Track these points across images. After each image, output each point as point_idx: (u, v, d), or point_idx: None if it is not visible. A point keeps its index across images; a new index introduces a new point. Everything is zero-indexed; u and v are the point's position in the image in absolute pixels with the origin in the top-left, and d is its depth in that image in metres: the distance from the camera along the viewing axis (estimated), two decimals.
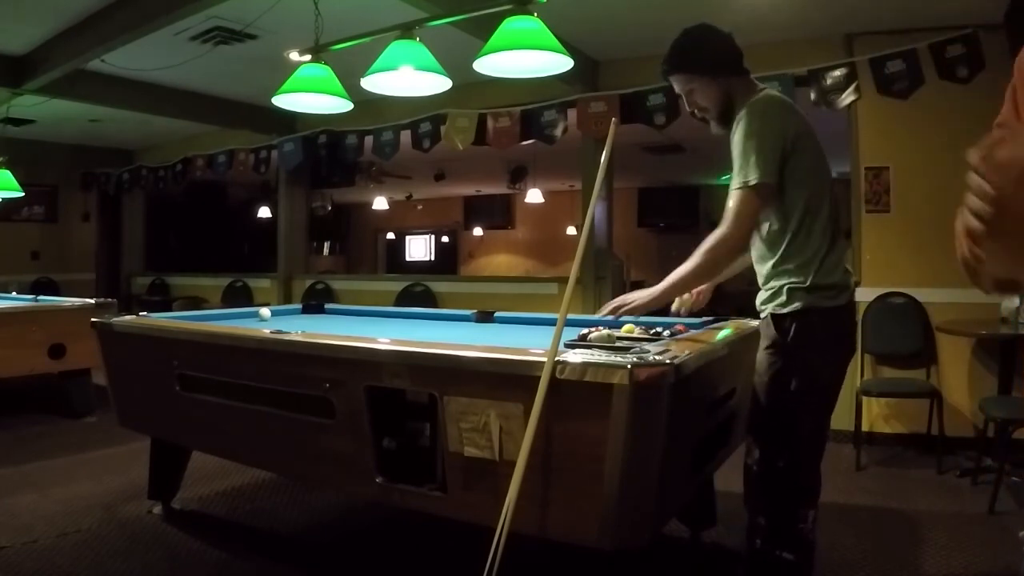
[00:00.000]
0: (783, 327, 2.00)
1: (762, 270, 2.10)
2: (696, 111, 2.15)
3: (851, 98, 4.27)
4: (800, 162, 1.97)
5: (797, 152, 1.96)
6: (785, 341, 1.99)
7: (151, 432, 3.07)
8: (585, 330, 2.17)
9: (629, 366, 1.64)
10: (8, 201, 6.74)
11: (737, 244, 2.01)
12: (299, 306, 4.01)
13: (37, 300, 5.27)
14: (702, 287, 2.38)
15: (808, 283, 1.98)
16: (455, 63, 2.96)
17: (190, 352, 2.68)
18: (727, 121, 2.08)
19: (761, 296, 2.10)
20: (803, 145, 1.98)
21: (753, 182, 1.93)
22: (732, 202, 1.98)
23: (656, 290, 2.06)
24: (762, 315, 2.09)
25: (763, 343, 2.08)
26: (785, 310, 2.00)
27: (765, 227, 2.05)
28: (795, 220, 1.99)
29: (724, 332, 2.32)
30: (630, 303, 2.08)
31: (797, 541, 1.99)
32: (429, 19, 2.93)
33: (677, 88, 2.15)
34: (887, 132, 4.44)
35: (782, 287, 2.01)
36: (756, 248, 2.12)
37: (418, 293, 6.36)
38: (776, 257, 2.03)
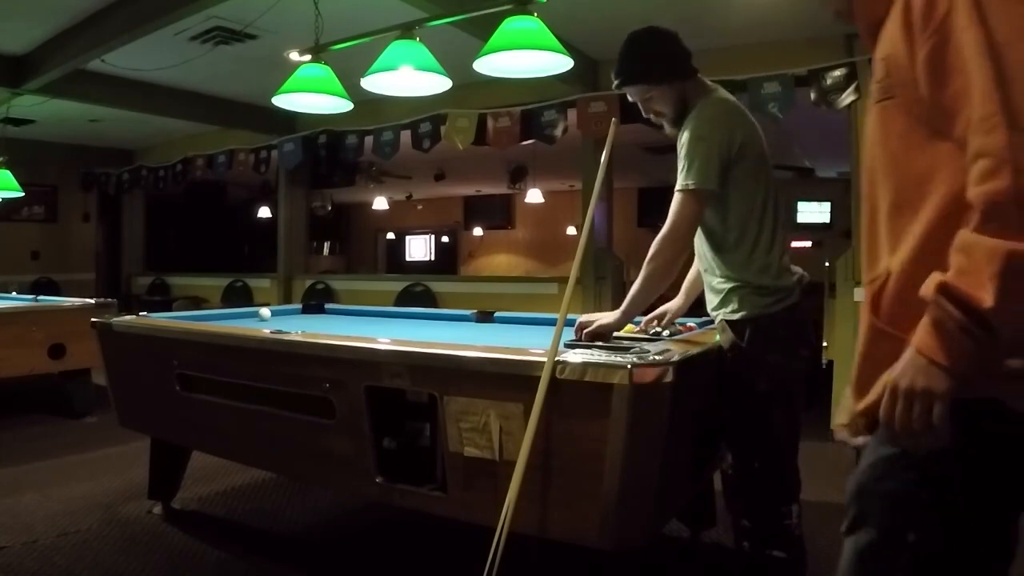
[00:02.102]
0: (738, 331, 2.01)
1: (711, 278, 2.11)
2: (653, 116, 2.16)
3: (851, 98, 4.27)
4: (745, 170, 1.99)
5: (743, 160, 1.98)
6: (742, 345, 2.00)
7: (151, 432, 3.07)
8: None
9: (629, 366, 1.64)
10: (8, 201, 6.75)
11: (677, 246, 2.00)
12: (299, 306, 4.01)
13: (37, 300, 5.27)
14: (672, 310, 2.42)
15: (757, 287, 2.00)
16: (455, 63, 2.96)
17: (190, 352, 2.68)
18: (681, 123, 2.08)
19: (711, 301, 2.12)
20: (748, 153, 1.99)
21: (692, 186, 1.95)
22: (672, 205, 2.00)
23: (617, 313, 2.08)
24: (715, 321, 2.11)
25: (724, 347, 2.08)
26: (736, 316, 2.01)
27: (710, 234, 2.07)
28: (740, 226, 2.01)
29: None
30: (594, 325, 2.09)
31: (785, 538, 2.00)
32: (429, 19, 2.93)
33: (632, 98, 2.15)
34: None
35: (731, 293, 2.03)
36: (703, 256, 2.13)
37: (418, 293, 6.36)
38: (723, 263, 2.05)
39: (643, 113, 2.17)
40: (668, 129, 2.15)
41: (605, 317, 2.10)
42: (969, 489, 1.01)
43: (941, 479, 1.01)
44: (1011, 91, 0.87)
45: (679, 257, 2.03)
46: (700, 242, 2.12)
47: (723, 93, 2.09)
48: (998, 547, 1.06)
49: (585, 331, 2.08)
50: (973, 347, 0.88)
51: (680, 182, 1.98)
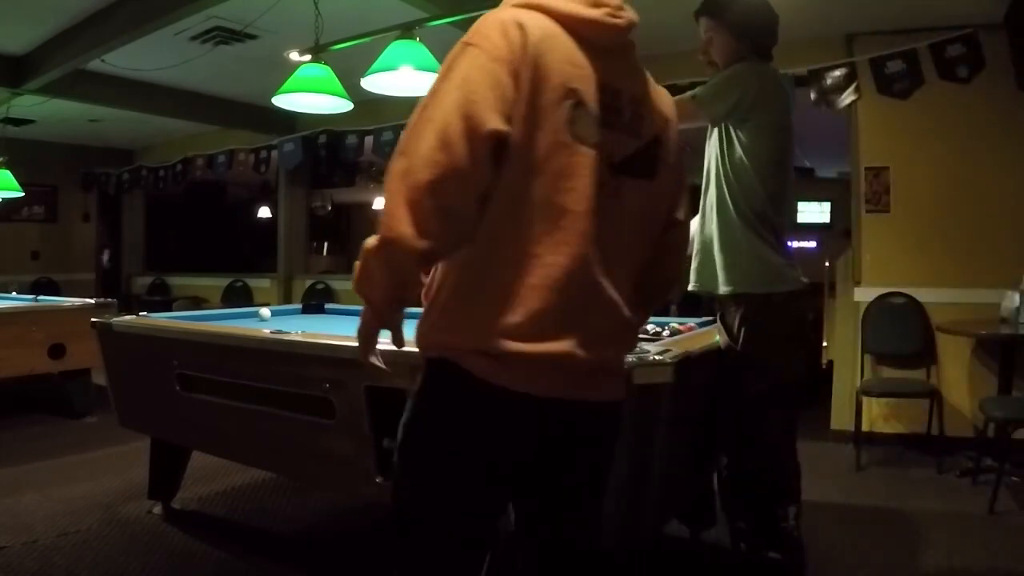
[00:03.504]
0: (732, 330, 2.00)
1: (715, 231, 2.10)
2: (708, 62, 2.20)
3: (851, 98, 4.27)
4: (763, 132, 2.05)
5: (754, 127, 2.04)
6: (736, 347, 1.99)
7: (151, 432, 3.07)
8: None
9: (629, 366, 1.64)
10: (8, 201, 6.74)
11: None
12: (299, 306, 4.01)
13: (37, 300, 5.27)
14: None
15: (763, 242, 2.01)
16: None
17: (190, 352, 2.68)
18: None
19: (698, 279, 2.13)
20: (766, 120, 2.05)
21: (696, 95, 2.05)
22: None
23: None
24: (717, 310, 2.10)
25: (720, 345, 2.08)
26: (724, 289, 2.02)
27: (740, 172, 2.06)
28: (752, 213, 2.00)
29: None
30: None
31: (782, 540, 1.98)
32: (429, 19, 2.93)
33: (700, 30, 2.20)
34: (887, 132, 4.44)
35: (730, 266, 2.02)
36: (717, 237, 2.10)
37: None
38: (731, 250, 2.03)
39: (700, 54, 2.22)
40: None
41: None
42: (429, 434, 1.23)
43: (416, 417, 1.25)
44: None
45: None
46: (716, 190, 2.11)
47: (780, 74, 2.20)
48: (472, 508, 1.23)
49: None
50: (368, 313, 1.22)
51: (693, 91, 2.07)
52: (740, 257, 2.00)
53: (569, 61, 1.16)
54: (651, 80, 1.33)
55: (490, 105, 1.08)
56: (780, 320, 2.00)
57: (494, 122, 1.08)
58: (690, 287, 2.17)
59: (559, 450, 1.25)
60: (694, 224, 2.12)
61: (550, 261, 1.13)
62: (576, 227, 1.14)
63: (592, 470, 1.33)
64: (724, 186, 2.06)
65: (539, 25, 1.15)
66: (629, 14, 1.26)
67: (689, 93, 2.08)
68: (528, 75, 1.11)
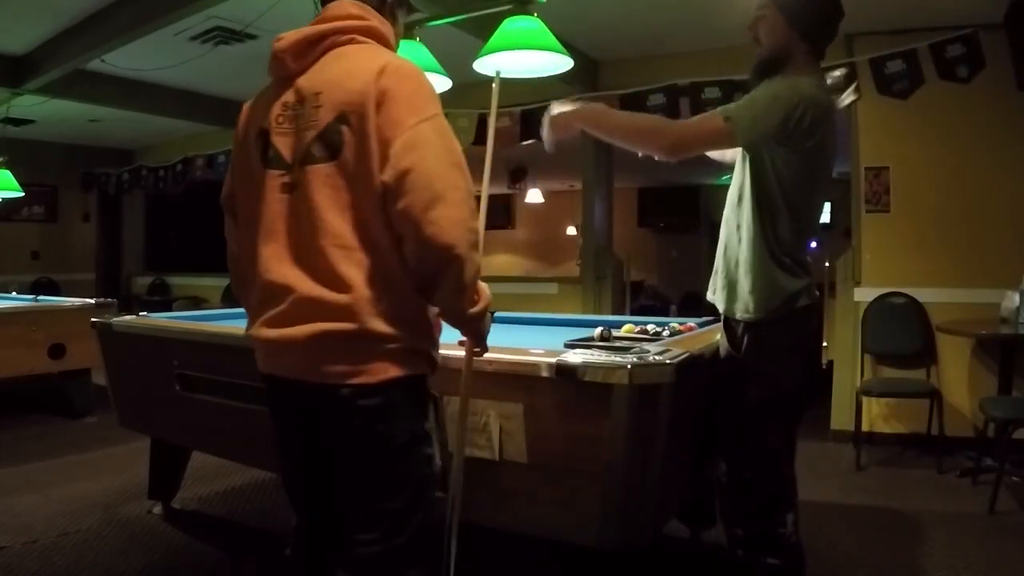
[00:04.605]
0: (738, 337, 1.96)
1: (736, 260, 1.99)
2: (754, 38, 2.03)
3: (851, 98, 4.27)
4: (807, 159, 1.87)
5: (802, 147, 1.85)
6: (738, 355, 1.96)
7: (151, 432, 3.07)
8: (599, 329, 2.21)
9: (629, 366, 1.64)
10: (8, 201, 6.73)
11: (673, 147, 1.89)
12: None
13: (37, 300, 5.27)
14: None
15: (778, 307, 1.91)
16: (455, 63, 2.96)
17: (190, 352, 2.67)
18: (766, 70, 1.96)
19: (716, 287, 2.05)
20: (808, 146, 1.85)
21: (731, 115, 1.84)
22: (703, 116, 1.90)
23: (575, 106, 2.07)
24: (724, 316, 2.04)
25: (721, 352, 2.04)
26: (741, 315, 1.95)
27: (747, 216, 1.94)
28: (777, 240, 1.91)
29: None
30: (551, 117, 2.09)
31: (779, 546, 1.96)
32: (429, 19, 2.92)
33: (753, 8, 2.02)
34: (887, 132, 4.44)
35: (747, 289, 1.94)
36: (733, 236, 2.01)
37: None
38: (757, 279, 1.93)
39: (748, 29, 2.05)
40: (753, 68, 2.02)
41: (561, 110, 2.10)
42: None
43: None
44: None
45: (656, 149, 1.93)
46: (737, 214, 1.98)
47: (825, 92, 1.98)
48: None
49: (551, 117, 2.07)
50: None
51: (725, 106, 1.87)
52: (763, 283, 1.92)
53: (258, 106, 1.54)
54: (341, 58, 1.41)
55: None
56: (787, 333, 1.94)
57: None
58: (709, 298, 2.12)
59: (287, 427, 1.51)
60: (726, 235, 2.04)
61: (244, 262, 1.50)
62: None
63: (310, 454, 1.46)
64: (754, 209, 1.92)
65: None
66: (292, 35, 1.47)
67: (720, 109, 1.87)
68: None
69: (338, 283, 1.31)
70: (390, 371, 1.34)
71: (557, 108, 2.05)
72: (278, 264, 1.37)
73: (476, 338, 1.53)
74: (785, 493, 2.00)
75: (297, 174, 1.37)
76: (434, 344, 1.47)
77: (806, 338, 2.04)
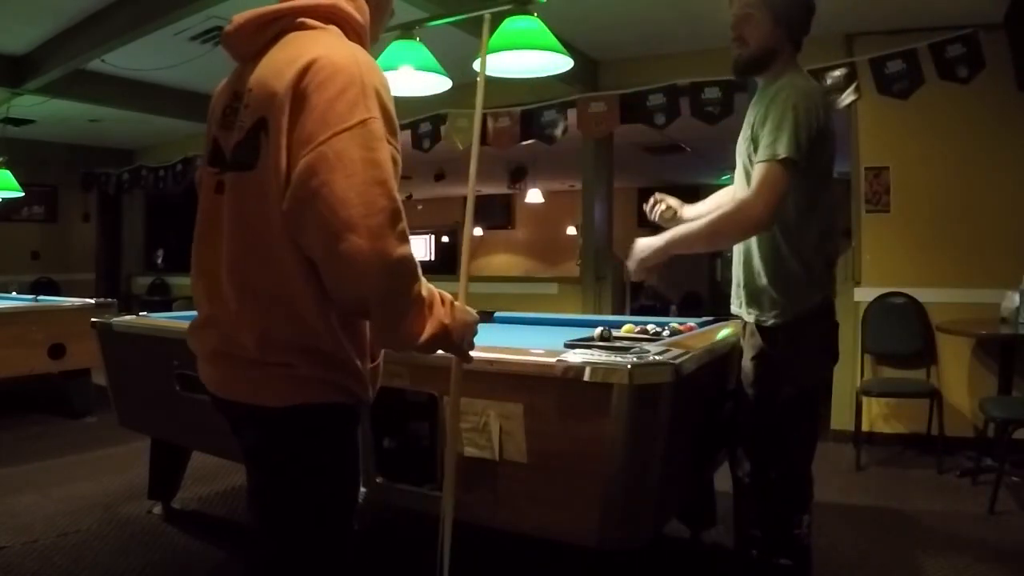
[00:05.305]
0: (770, 337, 1.96)
1: (752, 268, 2.00)
2: (736, 38, 2.00)
3: (851, 98, 4.27)
4: (817, 157, 1.87)
5: (816, 146, 1.85)
6: (770, 351, 1.96)
7: (151, 432, 3.07)
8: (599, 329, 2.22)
9: (629, 366, 1.64)
10: (8, 201, 6.73)
11: (761, 219, 1.81)
12: None
13: (37, 300, 5.28)
14: (676, 207, 2.29)
15: (806, 306, 1.93)
16: (455, 63, 2.96)
17: (190, 352, 2.67)
18: (751, 69, 1.97)
19: (743, 298, 2.04)
20: (821, 143, 1.87)
21: (783, 155, 1.77)
22: (759, 174, 1.82)
23: (659, 241, 1.99)
24: (747, 321, 2.04)
25: (748, 353, 2.04)
26: (772, 321, 1.95)
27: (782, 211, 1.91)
28: (795, 218, 1.92)
29: (724, 332, 2.32)
30: (639, 257, 2.02)
31: (793, 547, 1.97)
32: (429, 19, 2.92)
33: (736, 8, 2.00)
34: (887, 132, 4.44)
35: (774, 295, 1.95)
36: (759, 246, 2.00)
37: None
38: (780, 248, 1.94)
39: (732, 29, 2.00)
40: (735, 67, 2.01)
41: (646, 245, 2.03)
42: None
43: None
44: None
45: (753, 231, 1.89)
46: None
47: (814, 81, 2.00)
48: None
49: (638, 261, 2.02)
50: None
51: (767, 151, 1.80)
52: (791, 286, 1.93)
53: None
54: (285, 47, 1.23)
55: None
56: (816, 331, 1.96)
57: None
58: (735, 311, 2.11)
59: (243, 445, 1.39)
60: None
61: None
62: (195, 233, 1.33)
63: (255, 474, 1.37)
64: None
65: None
66: (239, 17, 1.29)
67: (765, 155, 1.80)
68: None
69: (223, 302, 1.23)
70: (275, 397, 1.21)
71: (643, 244, 2.03)
72: (196, 268, 1.31)
73: (455, 354, 1.37)
74: (804, 494, 2.01)
75: (224, 175, 1.24)
76: (354, 374, 1.26)
77: (833, 334, 2.06)
